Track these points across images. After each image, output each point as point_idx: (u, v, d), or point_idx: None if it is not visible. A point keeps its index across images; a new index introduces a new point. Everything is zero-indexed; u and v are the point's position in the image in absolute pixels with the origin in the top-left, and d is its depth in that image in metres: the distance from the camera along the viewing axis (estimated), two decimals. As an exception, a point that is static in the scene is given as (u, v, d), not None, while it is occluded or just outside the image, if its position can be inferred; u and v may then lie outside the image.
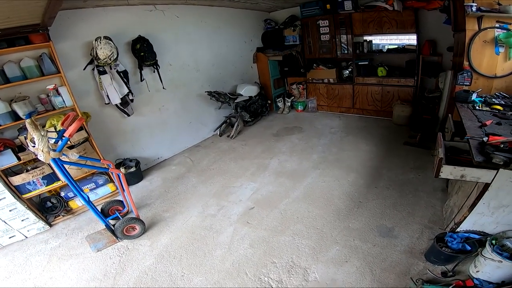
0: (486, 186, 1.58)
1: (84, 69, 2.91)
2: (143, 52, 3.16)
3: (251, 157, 3.77)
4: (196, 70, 4.13)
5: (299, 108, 5.29)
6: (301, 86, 5.23)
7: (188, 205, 2.91)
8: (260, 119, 5.05)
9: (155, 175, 3.62)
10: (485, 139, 1.59)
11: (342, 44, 4.63)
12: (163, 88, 3.61)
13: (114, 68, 3.01)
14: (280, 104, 5.33)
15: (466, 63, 2.56)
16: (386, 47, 4.57)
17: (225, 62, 4.63)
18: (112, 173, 2.57)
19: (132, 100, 3.27)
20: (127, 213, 2.81)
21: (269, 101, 5.01)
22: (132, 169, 3.34)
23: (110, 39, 2.83)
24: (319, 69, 4.91)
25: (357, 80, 4.69)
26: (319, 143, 3.92)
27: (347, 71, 4.80)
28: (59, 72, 2.59)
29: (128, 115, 3.29)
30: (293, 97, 5.30)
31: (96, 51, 2.76)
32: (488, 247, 1.55)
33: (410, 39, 4.20)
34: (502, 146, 1.51)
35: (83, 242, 2.51)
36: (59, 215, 2.88)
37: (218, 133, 4.45)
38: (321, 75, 4.96)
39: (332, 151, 3.66)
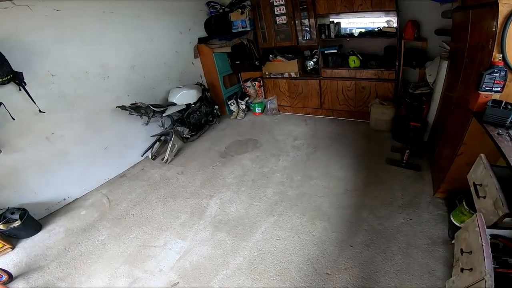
0: None
1: None
2: (-18, 65, 2.00)
3: (186, 194, 2.79)
4: (103, 78, 2.96)
5: (257, 111, 4.28)
6: (256, 83, 4.18)
7: (90, 273, 2.07)
8: (207, 130, 4.00)
9: (58, 224, 2.63)
10: None
11: (304, 28, 3.58)
12: (40, 111, 2.46)
13: None
14: (233, 107, 4.28)
15: (498, 56, 1.50)
16: (359, 30, 3.57)
17: (152, 61, 3.46)
18: None
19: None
20: (9, 280, 2.03)
21: (216, 107, 3.93)
22: (16, 224, 2.31)
23: None
24: (277, 60, 3.87)
25: (324, 73, 3.72)
26: (278, 167, 2.99)
27: (312, 62, 3.80)
28: None
29: (-15, 159, 2.17)
30: (247, 98, 4.26)
31: None
32: None
33: (389, 20, 3.24)
34: None
35: None
36: None
37: (151, 156, 3.39)
38: (279, 68, 3.93)
39: (294, 181, 2.74)
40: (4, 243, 2.30)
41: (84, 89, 2.82)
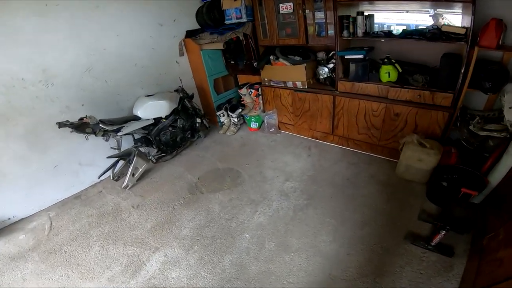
0: None
1: None
2: None
3: (130, 239, 2.18)
4: (45, 85, 2.38)
5: (253, 126, 3.41)
6: (253, 91, 3.26)
7: None
8: (188, 146, 3.30)
9: None
10: None
11: (317, 21, 2.52)
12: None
13: None
14: (223, 119, 3.47)
15: None
16: (401, 28, 2.39)
17: (117, 62, 2.78)
18: None
19: None
20: None
21: (198, 120, 3.15)
22: None
23: None
24: (279, 64, 2.89)
25: (341, 87, 2.66)
26: (251, 223, 2.17)
27: (326, 69, 2.75)
28: None
29: None
30: (240, 109, 3.38)
31: None
32: None
33: (454, 15, 2.05)
34: None
35: None
36: None
37: (112, 177, 2.84)
38: (281, 75, 2.94)
39: (263, 250, 1.93)
40: None
41: (21, 99, 2.28)
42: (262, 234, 2.07)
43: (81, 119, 2.41)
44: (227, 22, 2.98)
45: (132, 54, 2.88)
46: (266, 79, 3.09)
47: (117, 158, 2.74)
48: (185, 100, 3.02)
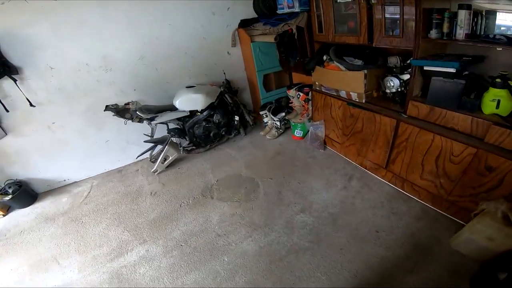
0: None
1: None
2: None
3: (131, 225, 2.29)
4: (105, 71, 2.67)
5: (296, 134, 2.92)
6: (302, 94, 2.73)
7: (5, 261, 2.10)
8: (224, 142, 3.16)
9: (43, 204, 2.78)
10: None
11: (388, 14, 1.79)
12: (31, 105, 2.47)
13: None
14: (267, 120, 3.11)
15: None
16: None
17: (168, 51, 2.85)
18: None
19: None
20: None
21: (236, 118, 2.92)
22: (7, 198, 2.62)
23: None
24: (331, 67, 2.26)
25: (412, 110, 1.87)
26: (238, 248, 1.89)
27: (397, 81, 1.98)
28: None
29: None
30: (283, 113, 2.92)
31: None
32: None
33: None
34: None
35: None
36: None
37: (150, 159, 3.05)
38: (333, 81, 2.31)
39: (229, 282, 1.69)
40: (-1, 210, 2.64)
41: (85, 82, 2.65)
42: (240, 264, 1.81)
43: (127, 103, 2.61)
44: (279, 11, 2.54)
45: (182, 44, 2.88)
46: (317, 83, 2.52)
47: (151, 146, 2.90)
48: (226, 95, 2.84)
